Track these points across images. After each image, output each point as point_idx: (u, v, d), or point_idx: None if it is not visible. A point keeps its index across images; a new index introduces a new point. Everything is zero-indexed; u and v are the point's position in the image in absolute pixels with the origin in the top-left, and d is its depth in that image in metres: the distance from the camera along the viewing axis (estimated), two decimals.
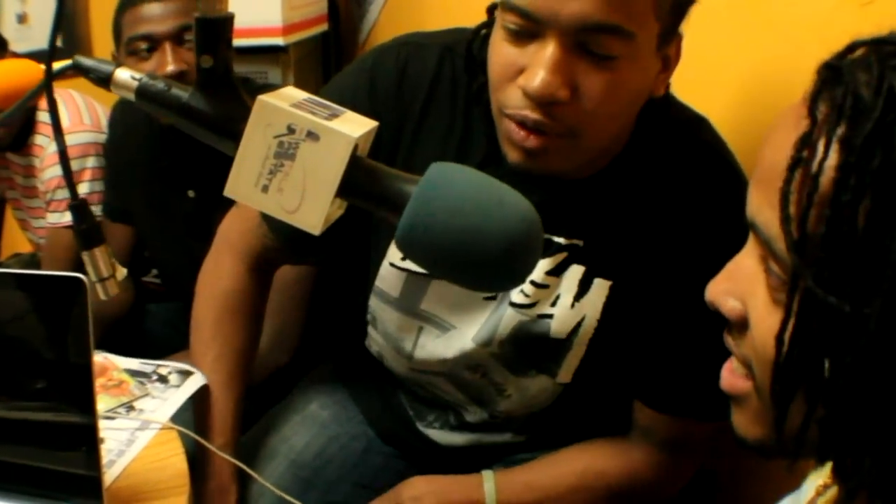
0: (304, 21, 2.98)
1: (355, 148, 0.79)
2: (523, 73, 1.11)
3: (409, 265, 1.35)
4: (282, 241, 1.42)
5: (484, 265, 0.78)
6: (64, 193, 2.33)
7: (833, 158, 0.68)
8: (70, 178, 0.95)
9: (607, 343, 1.32)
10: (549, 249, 1.28)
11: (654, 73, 1.18)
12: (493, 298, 1.33)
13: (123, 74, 0.85)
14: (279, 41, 2.78)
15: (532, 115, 1.11)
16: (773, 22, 1.46)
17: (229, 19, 0.82)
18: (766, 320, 0.73)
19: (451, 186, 0.78)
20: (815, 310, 0.68)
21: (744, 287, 0.77)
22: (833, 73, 0.72)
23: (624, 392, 1.39)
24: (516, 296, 1.30)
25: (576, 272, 1.29)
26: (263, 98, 0.78)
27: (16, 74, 1.81)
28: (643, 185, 1.25)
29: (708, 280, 0.81)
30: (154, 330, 2.40)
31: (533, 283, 1.29)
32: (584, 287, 1.29)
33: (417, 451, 1.56)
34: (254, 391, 1.66)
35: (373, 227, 1.38)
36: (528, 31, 1.10)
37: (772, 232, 0.72)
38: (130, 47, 1.98)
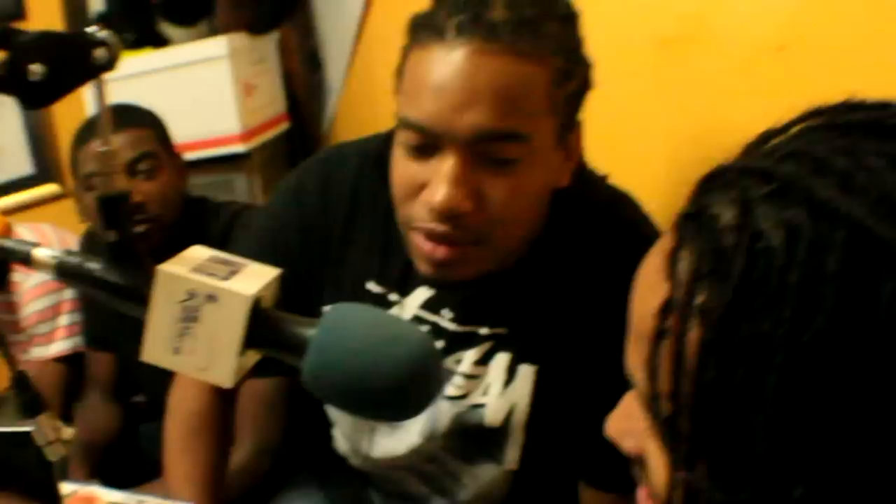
0: (264, 123, 3.05)
1: (258, 301, 0.84)
2: (426, 188, 1.14)
3: None
4: None
5: (385, 401, 0.82)
6: (44, 328, 2.38)
7: (695, 331, 0.62)
8: (7, 352, 1.00)
9: (543, 427, 1.34)
10: (474, 341, 1.32)
11: (557, 166, 1.20)
12: None
13: (41, 253, 0.91)
14: (240, 148, 2.86)
15: (439, 227, 1.14)
16: (692, 78, 1.50)
17: (126, 195, 0.87)
18: (658, 471, 0.70)
19: (345, 329, 0.83)
20: (694, 488, 0.65)
21: (638, 429, 0.74)
22: (691, 224, 0.65)
23: (572, 474, 1.42)
24: (449, 389, 1.35)
25: (502, 360, 1.32)
26: (162, 268, 0.83)
27: None
28: (563, 268, 1.29)
29: None
30: (149, 449, 2.43)
31: (463, 374, 1.33)
32: (511, 374, 1.32)
33: None
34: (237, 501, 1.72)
35: None
36: (427, 145, 1.14)
37: (645, 396, 0.69)
38: (86, 183, 2.05)
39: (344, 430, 1.50)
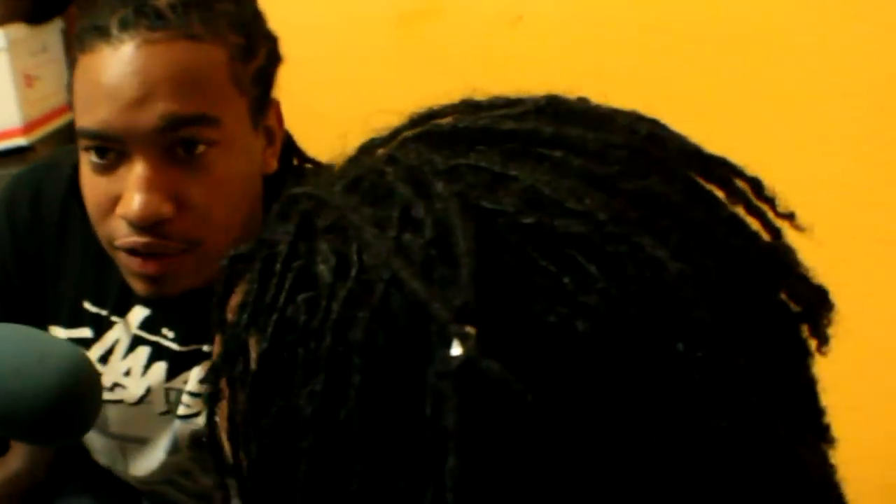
0: (48, 114, 2.94)
1: None
2: (120, 201, 1.10)
3: None
4: None
5: (40, 424, 0.81)
6: None
7: (241, 400, 0.53)
8: None
9: None
10: (199, 359, 1.31)
11: (258, 151, 1.18)
12: (168, 412, 1.34)
13: None
14: (22, 141, 2.77)
15: (141, 240, 1.10)
16: (432, 54, 1.50)
17: None
18: None
19: None
20: None
21: None
22: (243, 266, 0.56)
23: None
24: (180, 408, 1.32)
25: None
26: None
27: None
28: None
29: None
30: None
31: (191, 394, 1.30)
32: None
33: None
34: None
35: None
36: (112, 154, 1.10)
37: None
38: None
39: (96, 448, 1.48)
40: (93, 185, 1.13)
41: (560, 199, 0.46)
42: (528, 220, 0.46)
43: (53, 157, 1.40)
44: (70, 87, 1.16)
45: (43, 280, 1.32)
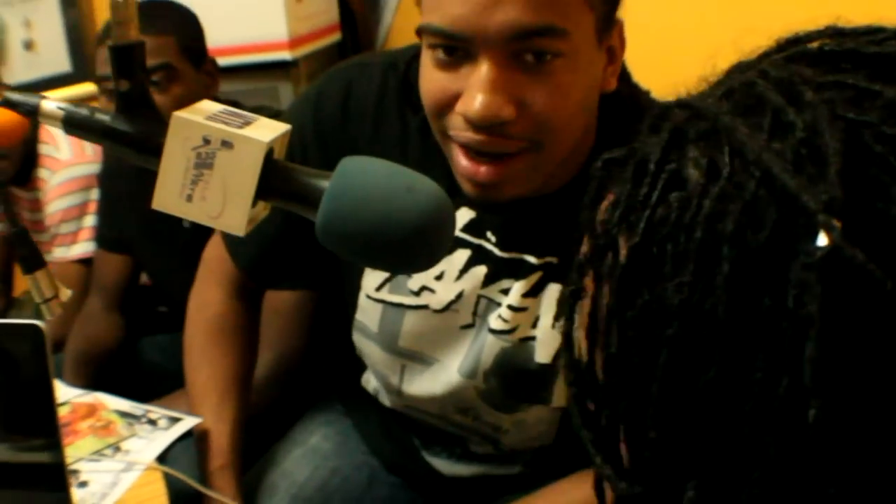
0: (314, 32, 3.05)
1: (270, 151, 0.85)
2: (461, 98, 1.12)
3: (385, 296, 1.40)
4: (241, 270, 1.53)
5: (397, 248, 0.85)
6: (68, 227, 2.41)
7: (606, 294, 0.57)
8: (10, 208, 1.02)
9: None
10: (521, 270, 1.30)
11: (601, 68, 1.18)
12: (472, 326, 1.35)
13: (49, 105, 0.92)
14: (286, 55, 2.89)
15: (477, 137, 1.12)
16: None
17: (140, 45, 0.89)
18: None
19: (360, 177, 0.85)
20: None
21: None
22: (616, 169, 0.62)
23: None
24: (494, 321, 1.33)
25: (554, 291, 1.30)
26: (178, 113, 0.84)
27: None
28: None
29: None
30: (156, 361, 2.46)
31: (511, 307, 1.31)
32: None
33: (424, 481, 1.59)
34: (256, 426, 1.70)
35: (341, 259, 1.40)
36: (457, 52, 1.11)
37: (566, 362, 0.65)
38: (101, 86, 2.06)
39: (374, 364, 1.50)
40: (433, 79, 1.15)
41: None
42: (891, 132, 0.50)
43: (363, 59, 1.43)
44: None
45: None
